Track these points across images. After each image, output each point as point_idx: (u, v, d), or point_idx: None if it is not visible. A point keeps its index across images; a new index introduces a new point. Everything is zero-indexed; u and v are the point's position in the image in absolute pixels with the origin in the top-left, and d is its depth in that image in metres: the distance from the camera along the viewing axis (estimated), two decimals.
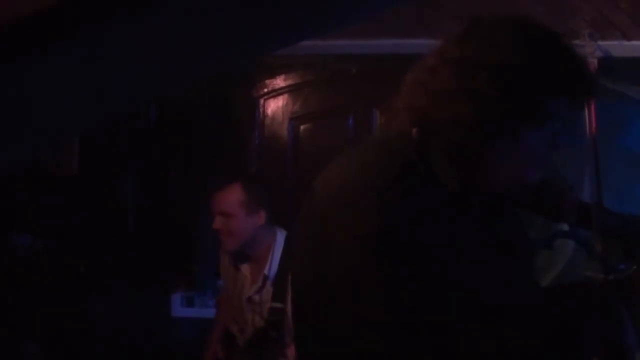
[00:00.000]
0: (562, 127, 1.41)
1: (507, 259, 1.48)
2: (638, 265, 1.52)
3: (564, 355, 1.36)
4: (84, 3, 0.86)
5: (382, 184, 1.34)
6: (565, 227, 1.78)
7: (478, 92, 1.33)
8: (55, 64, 0.89)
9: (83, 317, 4.00)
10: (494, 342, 1.32)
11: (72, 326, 3.93)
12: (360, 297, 1.31)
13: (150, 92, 1.15)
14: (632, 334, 1.39)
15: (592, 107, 3.07)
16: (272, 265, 3.03)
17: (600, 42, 3.76)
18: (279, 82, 4.42)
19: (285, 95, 4.43)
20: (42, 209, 4.05)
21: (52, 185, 4.10)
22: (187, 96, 4.12)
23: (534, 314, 1.39)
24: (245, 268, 3.11)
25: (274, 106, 4.43)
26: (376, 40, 4.06)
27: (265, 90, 4.44)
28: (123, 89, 1.07)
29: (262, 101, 4.44)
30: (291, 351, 2.85)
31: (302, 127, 4.40)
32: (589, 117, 3.03)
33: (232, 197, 3.03)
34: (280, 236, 3.08)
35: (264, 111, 4.44)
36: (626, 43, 3.87)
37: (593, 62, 3.59)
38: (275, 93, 4.43)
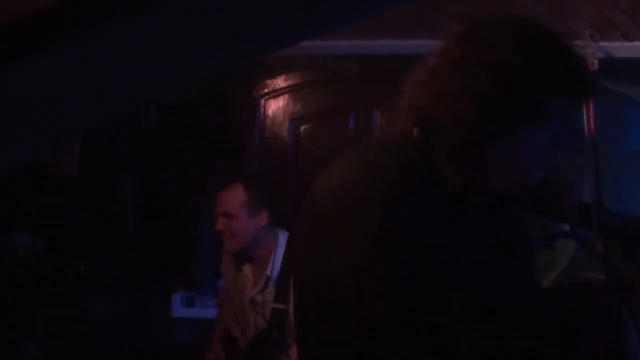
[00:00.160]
0: (562, 126, 1.41)
1: (508, 259, 1.48)
2: (638, 265, 1.52)
3: (564, 356, 1.36)
4: (83, 3, 0.86)
5: (383, 183, 1.34)
6: (566, 227, 1.78)
7: (479, 91, 1.34)
8: (54, 64, 0.89)
9: (83, 317, 4.00)
10: (494, 342, 1.32)
11: (72, 326, 3.93)
12: (361, 297, 1.32)
13: (150, 93, 1.15)
14: (633, 335, 1.39)
15: (592, 107, 3.07)
16: (275, 266, 3.02)
17: (600, 43, 3.76)
18: (280, 82, 4.43)
19: (286, 96, 4.43)
20: (43, 209, 4.05)
21: (53, 185, 4.10)
22: (188, 97, 4.12)
23: (535, 314, 1.39)
24: (247, 269, 3.11)
25: (275, 106, 4.43)
26: (376, 40, 4.06)
27: (266, 90, 4.44)
28: (123, 89, 1.07)
29: (262, 101, 4.44)
30: (293, 352, 2.84)
31: (302, 128, 4.40)
32: (589, 117, 3.03)
33: (234, 198, 3.03)
34: (282, 237, 3.08)
35: (264, 111, 4.44)
36: (627, 44, 3.87)
37: (593, 63, 3.59)
38: (276, 93, 4.44)
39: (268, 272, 3.03)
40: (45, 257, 4.05)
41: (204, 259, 4.23)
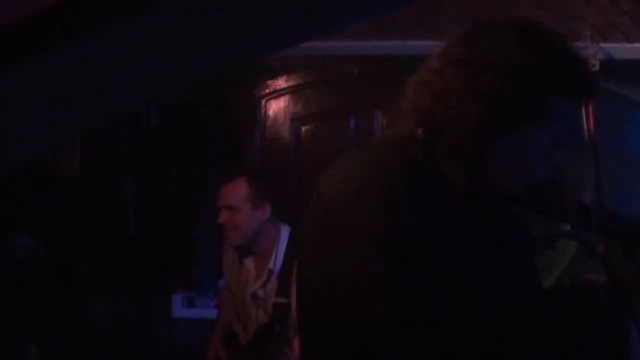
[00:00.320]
0: (563, 126, 1.42)
1: (509, 259, 1.48)
2: (638, 266, 1.52)
3: (565, 357, 1.36)
4: (83, 3, 0.86)
5: (387, 183, 1.35)
6: (568, 227, 1.78)
7: (483, 91, 1.34)
8: (54, 64, 0.89)
9: (83, 318, 4.00)
10: (495, 343, 1.32)
11: (73, 327, 3.93)
12: (362, 296, 1.32)
13: (150, 92, 1.15)
14: (633, 335, 1.39)
15: (592, 108, 3.07)
16: (277, 259, 3.02)
17: (601, 44, 3.76)
18: (281, 83, 4.43)
19: (287, 96, 4.43)
20: (43, 209, 4.05)
21: (53, 185, 4.10)
22: (189, 97, 4.12)
23: (536, 314, 1.40)
24: (249, 263, 3.10)
25: (276, 107, 4.43)
26: (377, 41, 4.06)
27: (267, 91, 4.44)
28: (123, 89, 1.07)
29: (263, 102, 4.44)
30: (296, 345, 2.84)
31: (303, 128, 4.40)
32: (589, 118, 3.03)
33: (238, 191, 3.02)
34: (285, 231, 3.08)
35: (265, 112, 4.44)
36: (628, 45, 3.86)
37: (594, 64, 3.58)
38: (277, 94, 4.43)
39: (270, 266, 3.02)
40: (46, 257, 4.05)
41: (204, 258, 4.23)
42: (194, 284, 4.29)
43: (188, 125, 4.32)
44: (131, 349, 4.09)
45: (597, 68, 3.57)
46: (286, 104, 4.42)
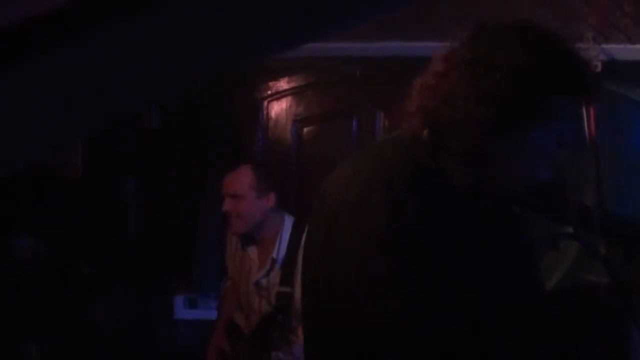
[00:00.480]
0: (567, 126, 1.44)
1: (512, 259, 1.49)
2: (639, 267, 1.52)
3: (566, 357, 1.36)
4: (84, 4, 0.86)
5: (390, 183, 1.36)
6: (569, 228, 1.78)
7: (490, 92, 1.36)
8: (53, 66, 0.89)
9: (84, 319, 4.00)
10: (495, 342, 1.32)
11: (74, 328, 3.93)
12: (365, 296, 1.34)
13: (150, 93, 1.16)
14: (634, 337, 1.39)
15: (593, 109, 3.07)
16: (280, 249, 3.01)
17: (603, 46, 3.76)
18: (283, 84, 4.43)
19: (289, 98, 4.43)
20: (43, 209, 4.05)
21: (54, 185, 4.10)
22: (190, 98, 4.12)
23: (537, 315, 1.40)
24: (252, 252, 3.09)
25: (278, 108, 4.43)
26: (379, 42, 4.06)
27: (269, 92, 4.44)
28: (123, 89, 1.07)
29: (265, 103, 4.44)
30: (301, 332, 2.82)
31: (305, 130, 4.40)
32: (590, 119, 3.03)
33: (243, 179, 3.01)
34: (289, 221, 3.07)
35: (267, 113, 4.44)
36: (630, 46, 3.86)
37: (596, 65, 3.58)
38: (279, 95, 4.44)
39: (274, 255, 3.01)
40: (46, 257, 4.05)
41: (204, 259, 4.23)
42: (195, 285, 4.29)
43: (189, 126, 4.32)
44: (133, 350, 4.09)
45: (599, 69, 3.56)
46: (288, 105, 4.42)
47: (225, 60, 1.04)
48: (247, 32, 0.96)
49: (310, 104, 4.40)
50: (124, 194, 4.27)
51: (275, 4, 0.93)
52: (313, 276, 1.48)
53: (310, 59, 4.18)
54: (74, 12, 0.86)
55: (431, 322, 1.30)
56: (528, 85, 1.37)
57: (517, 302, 1.42)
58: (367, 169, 1.42)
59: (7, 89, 0.93)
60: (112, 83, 0.99)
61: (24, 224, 4.06)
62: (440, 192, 1.40)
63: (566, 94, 1.42)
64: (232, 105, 4.39)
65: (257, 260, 3.08)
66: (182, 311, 4.28)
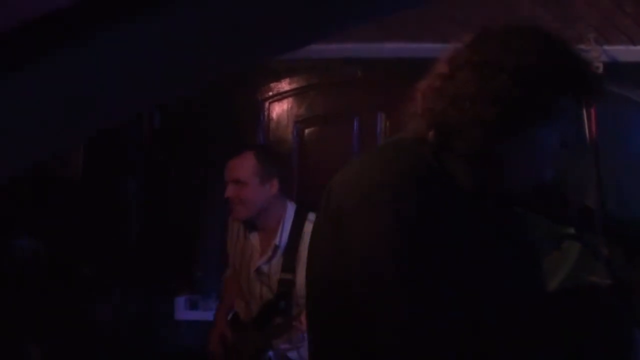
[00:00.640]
0: (570, 126, 1.45)
1: (514, 260, 1.49)
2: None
3: (567, 358, 1.36)
4: (84, 6, 0.86)
5: (398, 181, 1.37)
6: (572, 230, 1.79)
7: (498, 93, 1.37)
8: (53, 68, 0.89)
9: (85, 319, 4.00)
10: (495, 343, 1.32)
11: (75, 329, 3.93)
12: (367, 296, 1.35)
13: (151, 97, 1.15)
14: (636, 337, 1.39)
15: (594, 110, 3.08)
16: (282, 235, 3.00)
17: (605, 47, 3.76)
18: (284, 85, 4.43)
19: (290, 99, 4.43)
20: (44, 209, 4.05)
21: (54, 186, 4.10)
22: (192, 99, 4.12)
23: (539, 315, 1.40)
24: (254, 238, 3.08)
25: (279, 109, 4.44)
26: (381, 44, 4.07)
27: (270, 93, 4.44)
28: (125, 93, 1.07)
29: (267, 104, 4.44)
30: (304, 318, 2.80)
31: (307, 131, 4.40)
32: (592, 120, 3.03)
33: (246, 165, 2.99)
34: (291, 208, 3.05)
35: (269, 114, 4.44)
36: (632, 48, 3.87)
37: (598, 67, 3.58)
38: (280, 96, 4.44)
39: (276, 242, 3.00)
40: (47, 258, 4.05)
41: (205, 259, 4.23)
42: (196, 285, 4.29)
43: (190, 126, 4.32)
44: (134, 351, 4.09)
45: (600, 70, 3.56)
46: (289, 106, 4.42)
47: (225, 62, 1.04)
48: (249, 34, 0.96)
49: (311, 105, 4.40)
50: (124, 194, 4.27)
51: (275, 4, 0.92)
52: (317, 276, 1.49)
53: (311, 60, 4.18)
54: (75, 15, 0.86)
55: (432, 322, 1.31)
56: (535, 85, 1.38)
57: (518, 302, 1.42)
58: (371, 170, 1.42)
59: (8, 91, 0.93)
60: (113, 86, 0.99)
61: (24, 224, 4.06)
62: (444, 193, 1.41)
63: (572, 94, 1.43)
64: (233, 106, 4.39)
65: (258, 247, 3.06)
66: (182, 312, 4.28)
